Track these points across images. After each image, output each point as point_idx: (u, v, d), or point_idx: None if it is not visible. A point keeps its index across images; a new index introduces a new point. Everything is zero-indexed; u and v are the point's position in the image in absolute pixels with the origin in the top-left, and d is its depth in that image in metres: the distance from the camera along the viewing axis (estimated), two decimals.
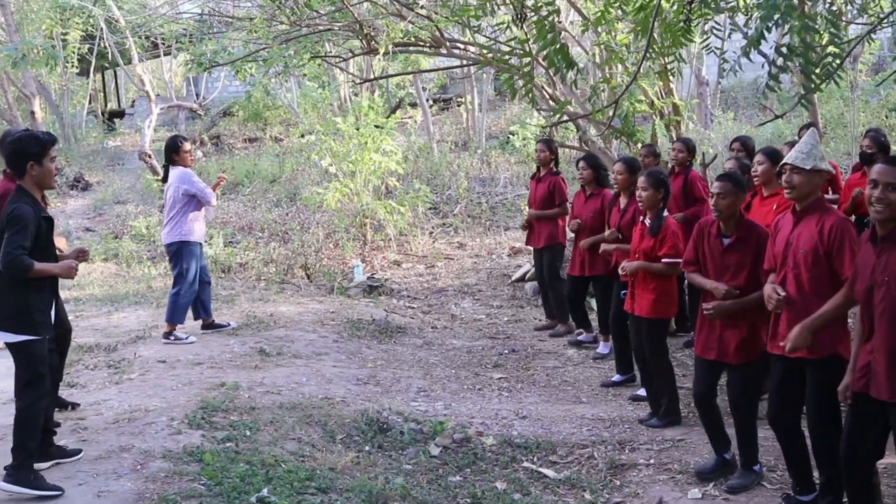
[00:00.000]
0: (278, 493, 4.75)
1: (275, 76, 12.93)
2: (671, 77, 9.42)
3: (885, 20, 7.44)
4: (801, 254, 4.48)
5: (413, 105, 23.06)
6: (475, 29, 9.57)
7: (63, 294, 6.37)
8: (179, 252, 8.43)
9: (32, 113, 19.56)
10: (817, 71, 5.52)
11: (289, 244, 13.66)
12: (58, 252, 5.27)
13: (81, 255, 5.47)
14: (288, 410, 6.24)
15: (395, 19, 9.85)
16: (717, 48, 7.40)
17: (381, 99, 14.78)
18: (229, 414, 6.03)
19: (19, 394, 4.91)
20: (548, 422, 6.58)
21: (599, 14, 8.01)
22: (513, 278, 11.88)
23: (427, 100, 21.85)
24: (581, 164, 8.62)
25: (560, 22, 7.07)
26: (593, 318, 8.96)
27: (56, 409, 5.67)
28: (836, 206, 6.85)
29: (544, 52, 6.20)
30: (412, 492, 5.09)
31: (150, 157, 17.61)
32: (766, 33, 5.23)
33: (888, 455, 4.49)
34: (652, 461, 5.69)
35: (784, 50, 5.31)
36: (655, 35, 6.80)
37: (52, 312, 5.09)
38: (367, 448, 5.82)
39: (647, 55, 6.94)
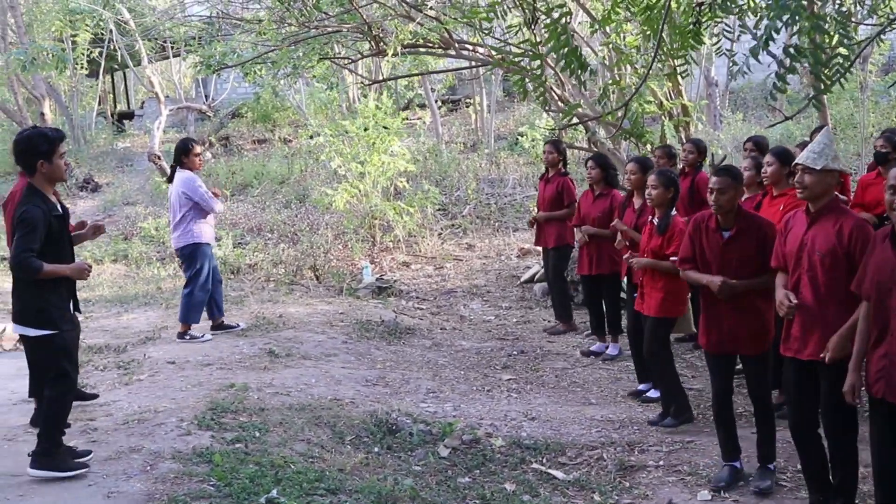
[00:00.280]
0: (287, 494, 4.75)
1: (283, 78, 12.95)
2: (681, 79, 9.39)
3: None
4: (818, 255, 4.43)
5: (422, 106, 23.07)
6: (486, 32, 9.57)
7: None
8: (193, 254, 8.45)
9: (42, 114, 19.69)
10: (826, 71, 5.49)
11: (298, 245, 13.68)
12: (74, 233, 5.38)
13: (98, 231, 5.56)
14: (297, 412, 6.24)
15: (403, 20, 9.85)
16: (727, 51, 7.39)
17: (390, 100, 14.74)
18: (238, 415, 6.04)
19: (48, 385, 5.09)
20: (557, 423, 6.57)
21: (606, 14, 8.01)
22: (522, 279, 11.88)
23: (436, 101, 21.86)
24: (590, 163, 8.61)
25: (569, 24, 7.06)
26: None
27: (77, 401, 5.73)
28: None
29: (556, 55, 6.21)
30: (421, 493, 5.09)
31: (159, 158, 17.66)
32: (774, 34, 5.22)
33: None
34: (661, 463, 5.68)
35: (792, 51, 5.29)
36: (665, 37, 6.79)
37: (71, 304, 5.18)
38: (376, 449, 5.82)
39: (657, 57, 6.93)
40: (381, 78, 18.10)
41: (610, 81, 9.75)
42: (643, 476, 5.51)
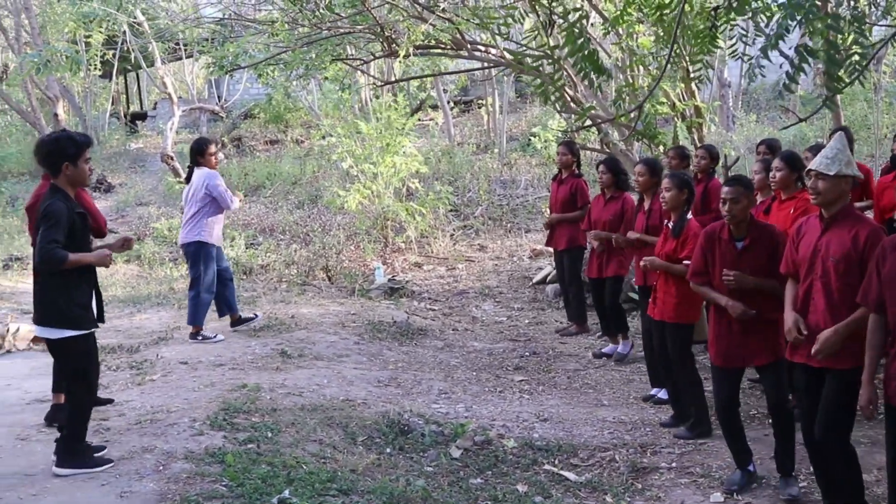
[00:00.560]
0: (300, 495, 4.76)
1: (296, 79, 12.97)
2: (697, 82, 9.35)
3: None
4: (832, 261, 4.39)
5: (434, 107, 23.08)
6: (504, 36, 9.56)
7: None
8: (197, 253, 8.47)
9: (56, 115, 19.72)
10: (841, 72, 5.46)
11: (310, 246, 13.69)
12: (96, 246, 5.47)
13: (126, 244, 5.66)
14: (309, 412, 6.25)
15: (416, 21, 9.85)
16: (743, 54, 7.36)
17: (404, 101, 14.76)
18: (251, 415, 6.05)
19: (71, 385, 5.24)
20: (569, 424, 6.56)
21: (618, 14, 7.99)
22: (534, 280, 11.86)
23: (448, 102, 21.87)
24: (601, 167, 8.58)
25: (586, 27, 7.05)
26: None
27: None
28: (866, 214, 6.73)
29: (573, 59, 6.19)
30: (433, 494, 5.09)
31: (172, 159, 17.71)
32: (787, 33, 5.19)
33: None
34: (674, 465, 5.67)
35: (804, 50, 5.26)
36: (678, 40, 6.78)
37: (94, 305, 5.23)
38: (388, 450, 5.82)
39: (671, 61, 6.91)
40: (393, 79, 18.13)
41: (624, 84, 9.72)
42: (655, 478, 5.50)
